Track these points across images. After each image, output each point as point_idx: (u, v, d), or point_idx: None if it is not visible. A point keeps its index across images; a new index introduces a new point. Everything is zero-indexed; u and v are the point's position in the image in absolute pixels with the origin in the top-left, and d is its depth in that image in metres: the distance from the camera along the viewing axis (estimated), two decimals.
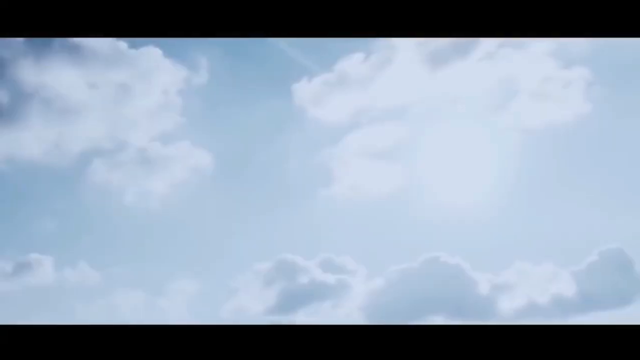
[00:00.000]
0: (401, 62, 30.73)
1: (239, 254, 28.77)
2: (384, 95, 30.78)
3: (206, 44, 31.06)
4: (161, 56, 30.61)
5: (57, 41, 29.58)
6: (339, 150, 31.14)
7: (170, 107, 30.94)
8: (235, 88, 31.71)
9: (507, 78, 32.06)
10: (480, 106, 31.62)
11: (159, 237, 29.95)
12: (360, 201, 30.25)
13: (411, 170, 30.60)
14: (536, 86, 32.16)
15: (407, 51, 30.60)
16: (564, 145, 30.52)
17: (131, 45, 30.49)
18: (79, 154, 30.88)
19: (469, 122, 29.53)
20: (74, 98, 30.88)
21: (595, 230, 28.06)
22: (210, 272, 29.04)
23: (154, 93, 31.18)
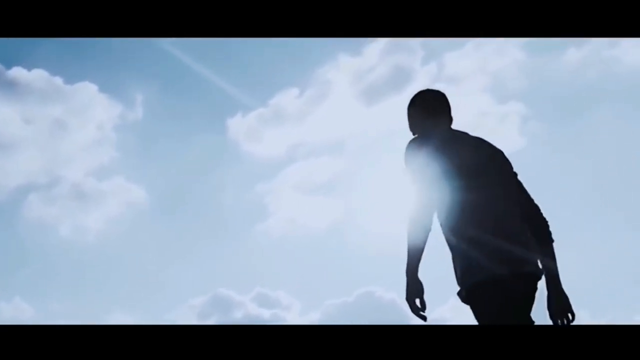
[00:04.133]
0: (336, 97, 30.83)
1: (174, 289, 28.51)
2: (319, 129, 30.81)
3: (142, 79, 30.91)
4: (96, 91, 30.38)
5: None
6: (274, 184, 30.99)
7: (106, 142, 30.70)
8: (170, 123, 31.58)
9: None
10: None
11: (95, 271, 29.60)
12: (296, 235, 30.19)
13: (347, 204, 30.70)
14: (472, 120, 32.53)
15: (342, 86, 30.71)
16: None
17: (66, 80, 30.18)
18: (14, 189, 30.52)
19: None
20: (9, 133, 30.58)
21: None
22: (145, 306, 28.79)
23: (89, 128, 30.90)
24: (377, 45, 31.52)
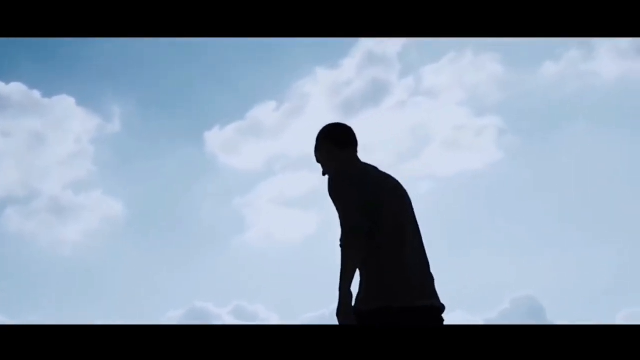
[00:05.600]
0: (314, 110, 30.87)
1: (151, 302, 28.39)
2: (297, 142, 30.81)
3: (119, 92, 30.88)
4: (74, 105, 30.32)
5: None
6: (252, 197, 30.95)
7: (83, 155, 30.61)
8: (147, 136, 31.50)
9: (419, 126, 32.47)
10: (392, 154, 31.88)
11: (73, 285, 29.41)
12: (274, 248, 30.10)
13: (324, 218, 30.62)
14: (448, 134, 32.59)
15: (319, 99, 30.74)
16: (476, 193, 30.93)
17: (44, 93, 30.09)
18: None
19: (381, 169, 29.70)
20: None
21: (507, 278, 28.41)
22: (122, 319, 28.62)
23: (66, 141, 30.78)
24: (354, 59, 31.60)
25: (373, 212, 5.10)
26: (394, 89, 31.37)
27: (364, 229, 5.00)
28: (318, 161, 5.60)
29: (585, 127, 30.02)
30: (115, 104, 30.15)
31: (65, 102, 30.35)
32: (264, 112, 31.80)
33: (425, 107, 32.89)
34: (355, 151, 5.50)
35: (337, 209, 5.15)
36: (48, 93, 32.20)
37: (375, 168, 5.45)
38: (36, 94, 29.55)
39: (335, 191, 5.17)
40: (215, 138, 31.34)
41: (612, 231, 29.08)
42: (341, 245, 5.08)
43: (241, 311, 26.77)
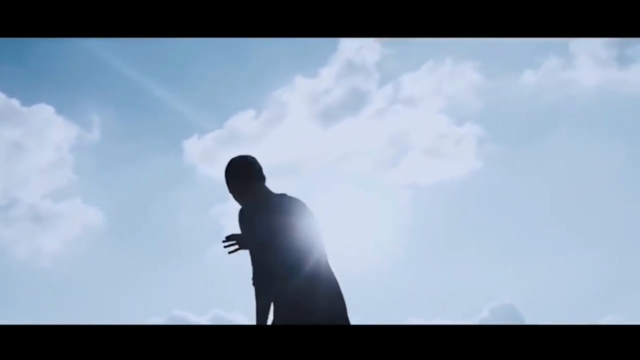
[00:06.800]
0: (293, 119, 30.84)
1: (131, 311, 28.19)
2: (275, 152, 30.73)
3: (99, 101, 30.78)
4: (53, 113, 30.21)
5: None
6: (230, 206, 30.93)
7: (63, 164, 30.48)
8: (126, 145, 31.41)
9: (399, 135, 32.48)
10: (372, 163, 31.84)
11: (50, 294, 29.23)
12: None
13: None
14: (428, 143, 32.62)
15: (298, 108, 30.72)
16: (455, 201, 30.93)
17: (23, 102, 30.00)
18: None
19: (361, 178, 29.49)
20: None
21: (486, 287, 28.35)
22: None
23: (46, 150, 30.69)
24: (333, 67, 31.63)
25: (279, 245, 5.33)
26: (373, 98, 31.40)
27: (272, 276, 5.34)
28: (230, 192, 5.68)
29: (565, 135, 30.14)
30: (95, 113, 30.05)
31: (44, 111, 30.24)
32: (243, 120, 31.76)
33: (405, 116, 32.86)
34: (262, 181, 5.64)
35: (248, 249, 5.47)
36: (27, 102, 32.10)
37: (282, 196, 5.63)
38: (15, 102, 29.43)
39: (244, 228, 5.46)
40: (194, 147, 31.29)
41: (593, 239, 29.19)
42: (254, 284, 5.49)
43: (220, 319, 26.61)
